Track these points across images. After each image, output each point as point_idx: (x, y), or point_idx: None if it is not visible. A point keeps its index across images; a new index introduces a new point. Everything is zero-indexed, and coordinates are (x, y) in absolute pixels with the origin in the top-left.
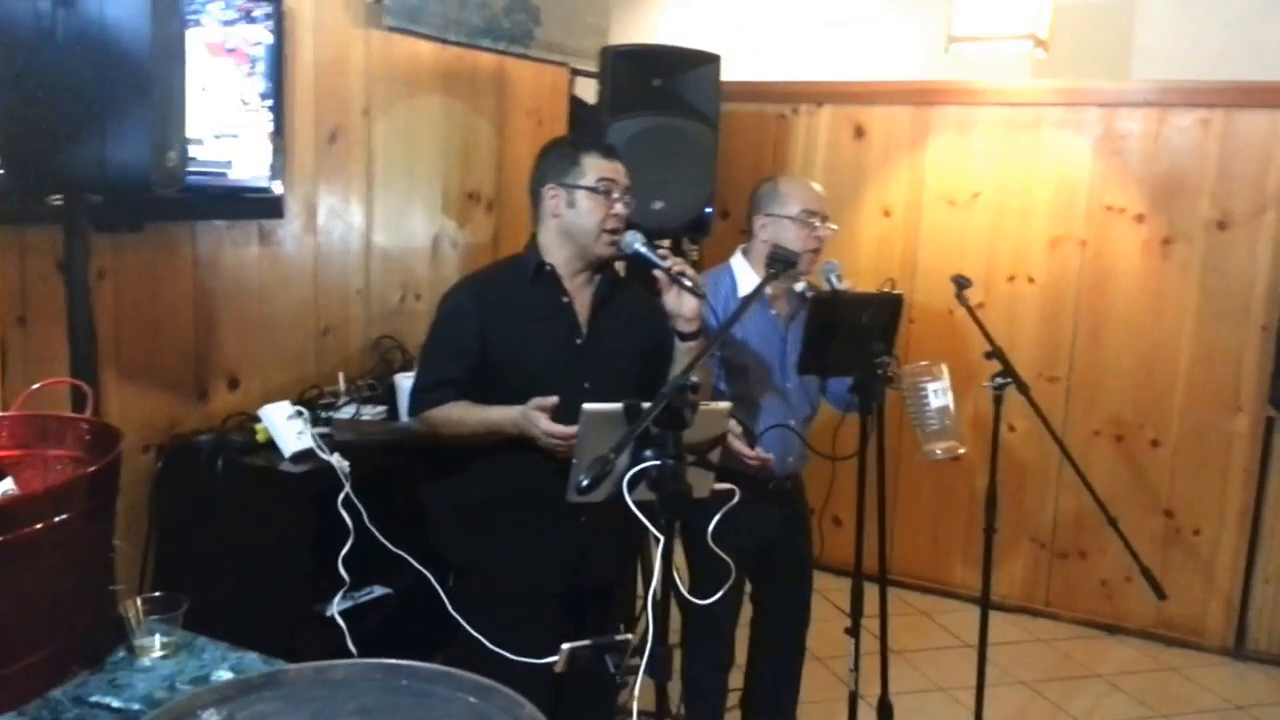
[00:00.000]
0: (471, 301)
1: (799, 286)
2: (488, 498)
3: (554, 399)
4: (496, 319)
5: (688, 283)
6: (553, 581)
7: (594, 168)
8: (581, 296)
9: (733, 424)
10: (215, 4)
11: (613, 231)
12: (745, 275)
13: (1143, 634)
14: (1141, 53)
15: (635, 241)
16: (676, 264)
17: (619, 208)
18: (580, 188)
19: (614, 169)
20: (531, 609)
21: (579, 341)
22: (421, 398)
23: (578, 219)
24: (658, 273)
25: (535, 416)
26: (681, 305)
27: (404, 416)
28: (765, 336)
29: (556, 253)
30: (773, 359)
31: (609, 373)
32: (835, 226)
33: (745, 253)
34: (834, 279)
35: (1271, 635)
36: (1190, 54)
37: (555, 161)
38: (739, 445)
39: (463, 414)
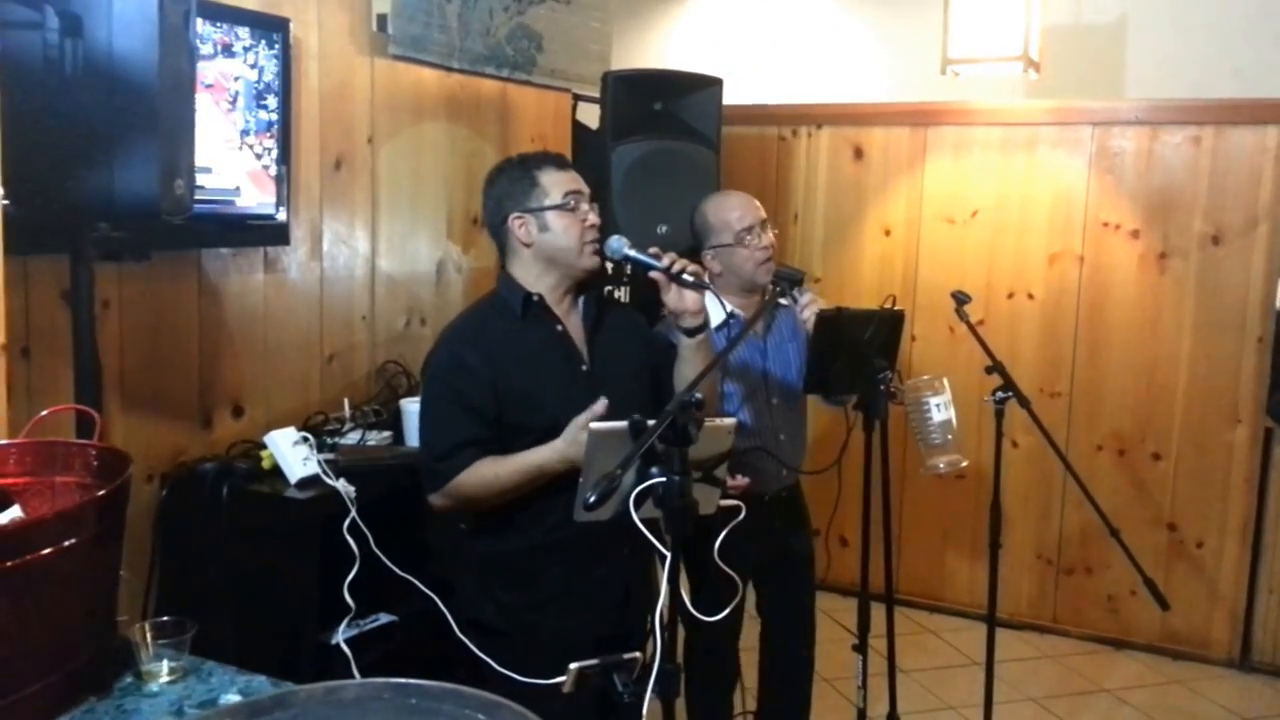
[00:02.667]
0: (473, 353)
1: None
2: (527, 547)
3: (604, 402)
4: (503, 366)
5: (688, 278)
6: (600, 625)
7: (554, 184)
8: (572, 322)
9: None
10: (221, 39)
11: (593, 241)
12: (713, 302)
13: (1149, 648)
14: (1132, 72)
15: (623, 246)
16: (673, 261)
17: (591, 216)
18: (547, 208)
19: (572, 178)
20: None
21: (585, 368)
22: (440, 468)
23: (554, 240)
24: (654, 274)
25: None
26: (684, 301)
27: (409, 441)
28: (747, 353)
29: (539, 282)
30: (756, 373)
31: (618, 394)
32: (775, 230)
33: (714, 281)
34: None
35: (1277, 647)
36: (1180, 73)
37: (510, 188)
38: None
39: (495, 469)
